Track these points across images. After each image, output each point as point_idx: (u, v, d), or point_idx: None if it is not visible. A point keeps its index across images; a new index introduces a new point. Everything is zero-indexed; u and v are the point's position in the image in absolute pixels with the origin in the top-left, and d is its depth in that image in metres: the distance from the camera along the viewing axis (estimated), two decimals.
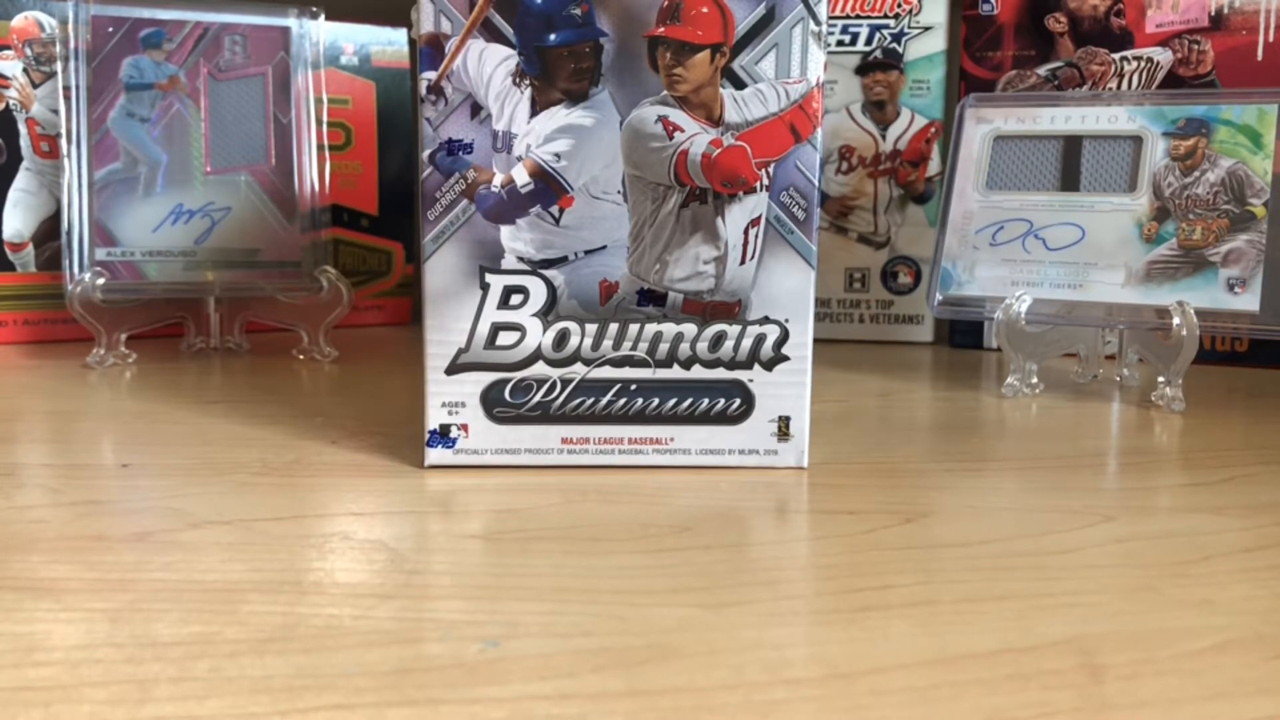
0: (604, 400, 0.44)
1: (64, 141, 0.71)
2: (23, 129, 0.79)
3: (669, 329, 0.44)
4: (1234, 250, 0.60)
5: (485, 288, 0.44)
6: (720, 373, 0.44)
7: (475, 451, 0.45)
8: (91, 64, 0.71)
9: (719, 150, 0.43)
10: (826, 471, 0.45)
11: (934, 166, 0.85)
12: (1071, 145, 0.65)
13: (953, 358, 0.79)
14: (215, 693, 0.26)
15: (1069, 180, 0.65)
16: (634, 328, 0.44)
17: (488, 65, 0.43)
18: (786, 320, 0.44)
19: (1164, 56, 0.75)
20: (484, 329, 0.44)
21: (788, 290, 0.44)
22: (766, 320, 0.44)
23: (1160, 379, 0.60)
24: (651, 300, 0.44)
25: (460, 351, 0.44)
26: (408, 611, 0.31)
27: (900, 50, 0.83)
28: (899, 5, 0.83)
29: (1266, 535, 0.38)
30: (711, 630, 0.29)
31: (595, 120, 0.43)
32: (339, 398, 0.60)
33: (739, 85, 0.43)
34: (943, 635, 0.29)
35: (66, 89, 0.71)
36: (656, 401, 0.44)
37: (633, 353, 0.44)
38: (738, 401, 0.45)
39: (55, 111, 0.78)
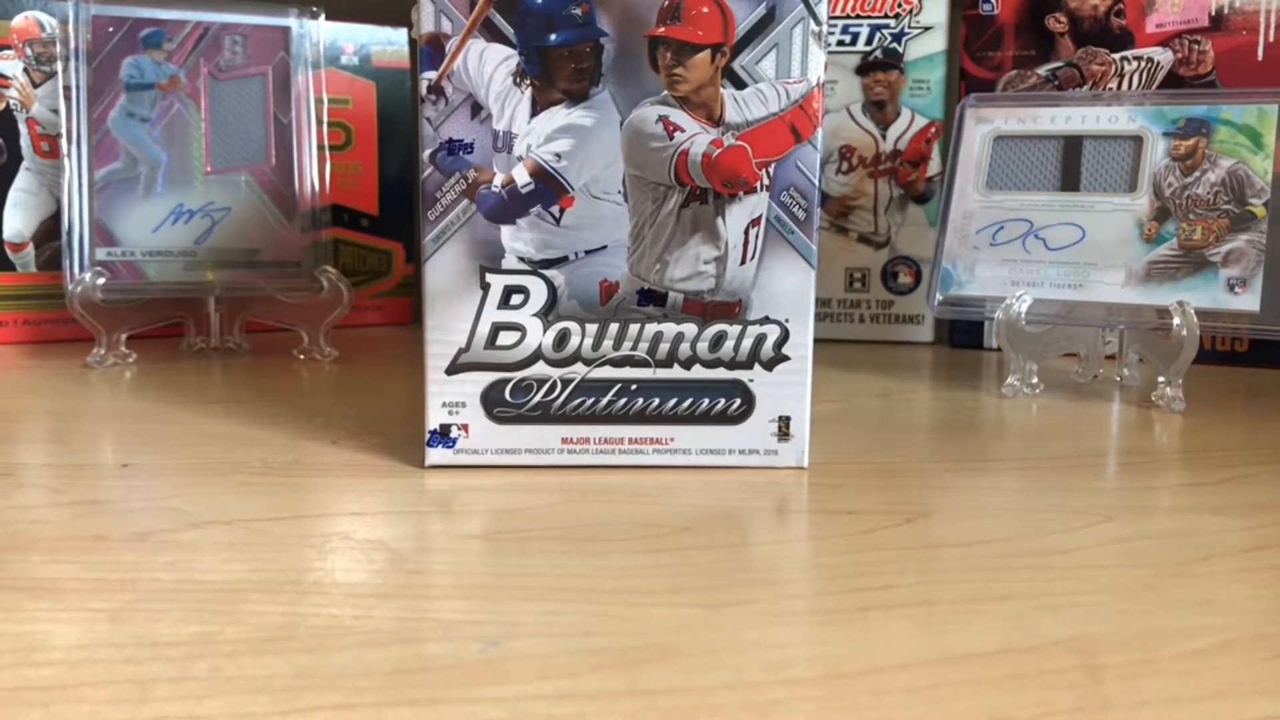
0: (604, 400, 0.44)
1: (64, 141, 0.71)
2: (23, 129, 0.79)
3: (669, 329, 0.44)
4: (1234, 250, 0.60)
5: (485, 288, 0.44)
6: (720, 373, 0.44)
7: (475, 451, 0.45)
8: (92, 64, 0.71)
9: (719, 150, 0.43)
10: (826, 471, 0.45)
11: (934, 166, 0.85)
12: (1072, 145, 0.65)
13: (953, 358, 0.79)
14: (215, 693, 0.26)
15: (1069, 180, 0.64)
16: (634, 328, 0.44)
17: (488, 65, 0.43)
18: (787, 320, 0.44)
19: (1164, 56, 0.75)
20: (484, 329, 0.44)
21: (788, 290, 0.44)
22: (767, 320, 0.44)
23: (1160, 379, 0.60)
24: (652, 300, 0.44)
25: (460, 351, 0.44)
26: (408, 611, 0.31)
27: (900, 50, 0.83)
28: (899, 5, 0.83)
29: (1266, 535, 0.38)
30: (711, 630, 0.29)
31: (596, 120, 0.43)
32: (339, 398, 0.60)
33: (739, 85, 0.43)
34: (943, 635, 0.29)
35: (67, 89, 0.71)
36: (657, 401, 0.44)
37: (633, 353, 0.44)
38: (738, 401, 0.45)
39: (55, 111, 0.78)
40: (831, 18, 0.83)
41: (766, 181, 0.44)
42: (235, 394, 0.62)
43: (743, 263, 0.44)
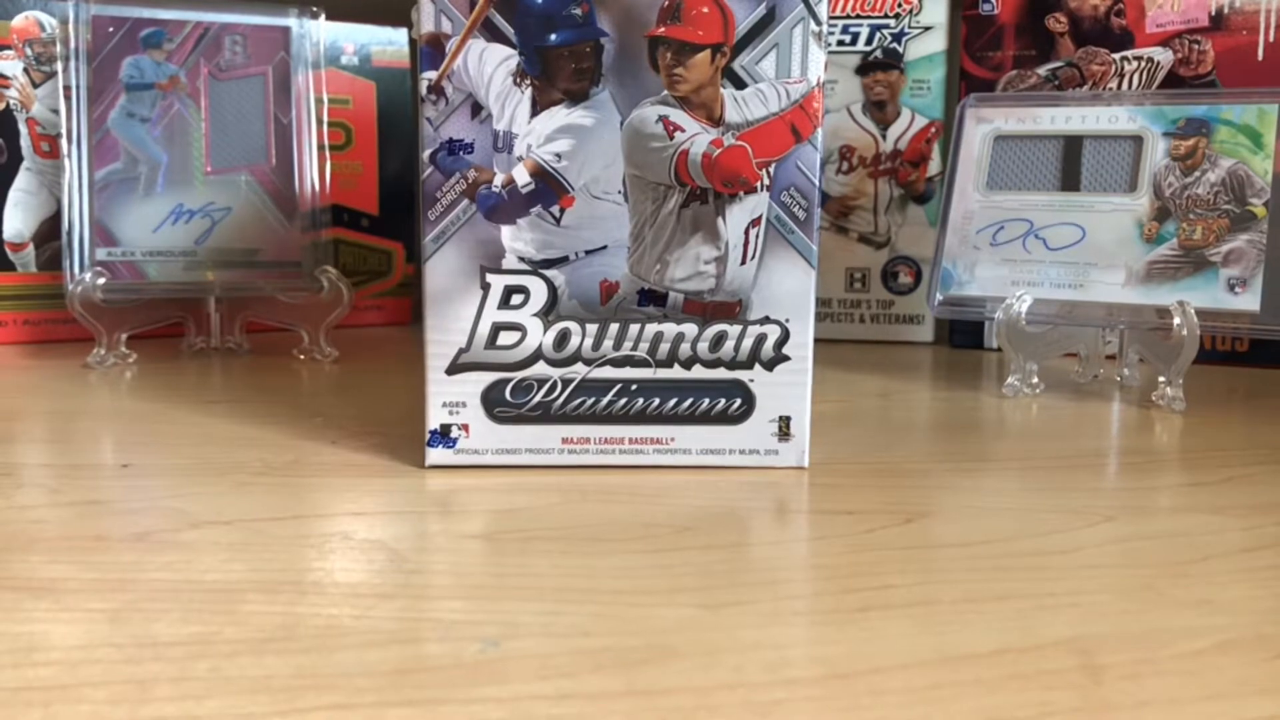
0: (604, 400, 0.44)
1: (64, 141, 0.71)
2: (23, 129, 0.79)
3: (669, 329, 0.44)
4: (1234, 250, 0.60)
5: (486, 288, 0.44)
6: (721, 373, 0.44)
7: (476, 451, 0.45)
8: (92, 64, 0.71)
9: (720, 150, 0.43)
10: (827, 471, 0.45)
11: (934, 166, 0.85)
12: (1072, 145, 0.65)
13: (953, 358, 0.79)
14: (215, 693, 0.26)
15: (1069, 180, 0.64)
16: (634, 328, 0.44)
17: (488, 65, 0.43)
18: (787, 320, 0.44)
19: (1164, 56, 0.75)
20: (485, 329, 0.44)
21: (788, 290, 0.44)
22: (767, 320, 0.44)
23: (1160, 379, 0.60)
24: (652, 300, 0.44)
25: (461, 351, 0.44)
26: (408, 611, 0.31)
27: (900, 50, 0.83)
28: (899, 5, 0.83)
29: (1266, 535, 0.38)
30: (711, 630, 0.29)
31: (596, 120, 0.43)
32: (339, 398, 0.60)
33: (739, 85, 0.43)
34: (943, 635, 0.29)
35: (67, 89, 0.71)
36: (657, 401, 0.44)
37: (633, 353, 0.44)
38: (738, 401, 0.45)
39: (56, 111, 0.78)
40: (831, 18, 0.83)
41: (767, 181, 0.44)
42: (235, 394, 0.62)
43: (743, 263, 0.44)
